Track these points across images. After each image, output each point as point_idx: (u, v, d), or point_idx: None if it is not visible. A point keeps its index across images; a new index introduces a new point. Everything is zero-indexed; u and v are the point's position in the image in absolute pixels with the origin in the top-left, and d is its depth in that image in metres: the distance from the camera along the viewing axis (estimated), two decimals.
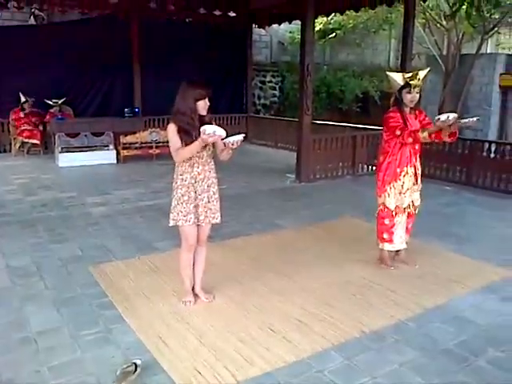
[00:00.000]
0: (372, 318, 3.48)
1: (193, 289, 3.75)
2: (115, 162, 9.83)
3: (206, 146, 3.39)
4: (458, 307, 3.67)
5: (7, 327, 3.32)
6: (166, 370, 2.84)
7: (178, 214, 3.48)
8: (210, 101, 3.45)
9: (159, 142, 10.00)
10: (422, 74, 4.11)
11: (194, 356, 2.98)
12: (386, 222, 4.35)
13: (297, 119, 8.75)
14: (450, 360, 2.97)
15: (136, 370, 2.75)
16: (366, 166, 9.13)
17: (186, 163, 3.43)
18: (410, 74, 4.11)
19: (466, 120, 3.85)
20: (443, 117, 3.79)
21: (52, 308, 3.60)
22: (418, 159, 4.34)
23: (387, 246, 4.40)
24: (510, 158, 7.40)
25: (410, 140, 4.06)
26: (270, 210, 6.49)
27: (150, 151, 9.96)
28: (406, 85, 4.07)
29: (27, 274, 4.25)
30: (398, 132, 4.07)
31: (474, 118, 3.85)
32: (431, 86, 14.36)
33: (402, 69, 9.11)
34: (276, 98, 15.69)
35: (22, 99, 10.22)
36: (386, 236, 4.38)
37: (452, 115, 3.78)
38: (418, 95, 4.12)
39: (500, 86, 13.41)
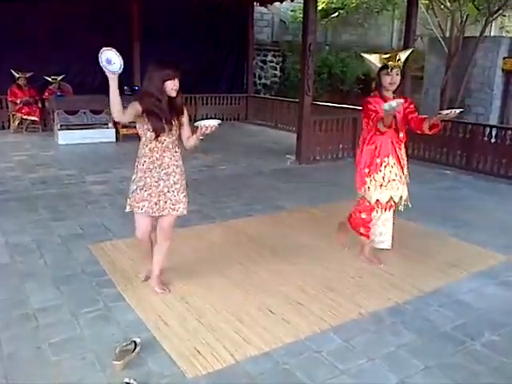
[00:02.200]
0: (370, 300, 3.50)
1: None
2: (114, 140, 9.79)
3: (170, 130, 3.23)
4: (456, 291, 3.69)
5: (7, 304, 3.34)
6: (165, 349, 2.86)
7: (133, 199, 3.33)
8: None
9: None
10: (402, 54, 3.80)
11: (193, 335, 3.01)
12: (363, 215, 4.04)
13: (297, 100, 8.70)
14: (447, 343, 3.00)
15: (135, 348, 2.78)
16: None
17: (146, 146, 3.26)
18: (387, 55, 3.77)
19: (448, 111, 3.56)
20: (446, 111, 3.57)
21: (52, 285, 3.62)
22: (403, 148, 4.00)
23: (364, 241, 4.14)
24: (510, 143, 7.38)
25: (380, 126, 3.66)
26: (270, 191, 6.49)
27: None
28: (384, 66, 3.74)
29: (27, 251, 4.26)
30: (373, 114, 3.72)
31: (457, 110, 3.53)
32: (434, 69, 14.23)
33: (405, 49, 9.04)
34: (277, 78, 15.57)
35: (16, 75, 10.11)
36: (362, 230, 4.10)
37: (454, 111, 3.50)
38: (398, 77, 3.76)
39: (503, 69, 13.29)
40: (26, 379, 2.57)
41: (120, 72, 3.08)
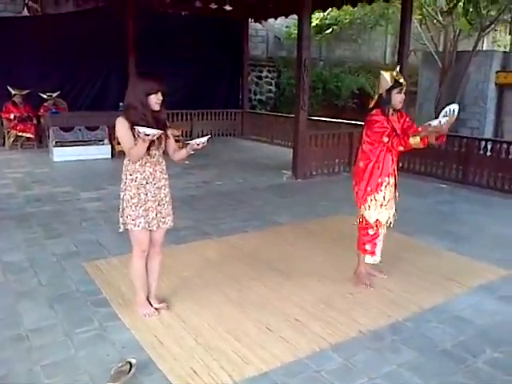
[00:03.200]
0: (369, 317, 3.45)
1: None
2: (110, 156, 9.76)
3: (160, 144, 3.20)
4: (455, 307, 3.65)
5: (0, 324, 3.27)
6: (161, 370, 2.80)
7: (127, 217, 3.23)
8: (163, 95, 3.14)
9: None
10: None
11: (190, 355, 2.95)
12: (371, 232, 3.97)
13: (293, 115, 8.72)
14: (448, 361, 2.95)
15: (131, 369, 2.72)
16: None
17: (136, 162, 3.18)
18: (399, 74, 3.76)
19: (436, 122, 3.51)
20: (434, 122, 3.53)
21: (46, 305, 3.56)
22: (396, 168, 4.00)
23: (368, 259, 4.05)
24: (506, 156, 7.40)
25: (401, 148, 3.69)
26: (267, 206, 6.46)
27: None
28: (397, 84, 3.72)
29: (21, 269, 4.19)
30: (386, 139, 3.70)
31: (446, 118, 3.47)
32: (428, 84, 14.35)
33: (399, 65, 9.10)
34: (272, 94, 15.64)
35: (12, 92, 10.10)
36: (368, 247, 4.02)
37: (444, 119, 3.48)
38: (404, 96, 3.80)
39: (496, 83, 13.40)
40: None
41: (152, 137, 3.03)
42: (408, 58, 9.45)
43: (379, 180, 3.86)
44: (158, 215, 3.29)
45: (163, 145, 3.27)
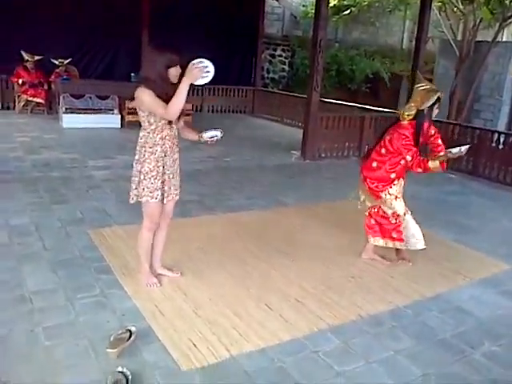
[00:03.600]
0: (370, 302, 3.45)
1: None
2: (119, 126, 9.73)
3: (179, 118, 3.21)
4: (457, 298, 3.64)
5: (3, 285, 3.30)
6: (160, 339, 2.82)
7: (143, 189, 3.21)
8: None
9: None
10: None
11: (189, 327, 2.96)
12: (393, 221, 4.04)
13: (305, 95, 8.63)
14: (446, 351, 2.95)
15: (130, 336, 2.74)
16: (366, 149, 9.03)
17: (156, 135, 3.16)
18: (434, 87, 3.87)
19: (457, 150, 3.67)
20: (455, 150, 3.67)
21: (49, 269, 3.58)
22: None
23: (399, 245, 4.09)
24: None
25: (419, 170, 3.77)
26: (274, 185, 6.44)
27: None
28: (438, 100, 3.81)
29: (26, 232, 4.22)
30: (409, 158, 3.77)
31: (466, 147, 3.67)
32: (443, 72, 14.12)
33: (416, 51, 9.00)
34: (285, 73, 15.48)
35: (25, 57, 10.04)
36: (395, 235, 4.06)
37: (464, 148, 3.64)
38: None
39: None
40: (17, 362, 2.54)
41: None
42: (425, 45, 9.30)
43: (392, 176, 3.96)
44: (172, 188, 3.33)
45: (181, 119, 3.28)
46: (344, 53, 15.79)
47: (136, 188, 3.27)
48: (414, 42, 9.64)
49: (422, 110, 3.80)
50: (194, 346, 2.79)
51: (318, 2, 7.87)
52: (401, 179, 4.02)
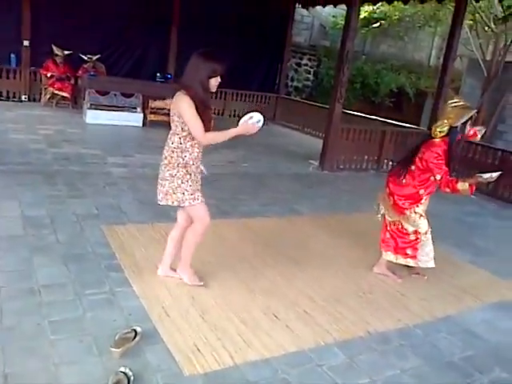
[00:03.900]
0: (379, 319, 3.40)
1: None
2: (141, 125, 9.82)
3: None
4: (468, 320, 3.57)
5: (15, 276, 3.32)
6: (164, 341, 2.81)
7: (183, 194, 3.24)
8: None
9: None
10: None
11: (194, 331, 2.95)
12: (412, 237, 4.01)
13: (328, 106, 8.60)
14: (454, 374, 2.89)
15: (135, 336, 2.74)
16: (391, 163, 8.95)
17: (187, 142, 3.19)
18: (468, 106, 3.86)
19: (488, 175, 3.62)
20: (486, 175, 3.62)
21: (60, 262, 3.60)
22: None
23: (411, 263, 4.06)
24: None
25: (447, 190, 3.73)
26: (290, 194, 6.41)
27: None
28: (470, 118, 3.82)
29: (41, 225, 4.25)
30: (439, 176, 3.74)
31: (497, 173, 3.64)
32: (470, 91, 13.98)
33: (444, 68, 8.90)
34: (309, 82, 15.47)
35: (55, 51, 10.21)
36: (409, 252, 4.03)
37: (495, 174, 3.61)
38: None
39: None
40: (21, 354, 2.55)
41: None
42: (454, 63, 9.20)
43: (420, 192, 3.93)
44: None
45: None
46: (370, 66, 15.73)
47: (174, 193, 3.26)
48: (441, 59, 9.53)
49: (456, 127, 3.77)
50: (198, 350, 2.77)
51: (349, 14, 7.85)
52: (428, 197, 3.98)
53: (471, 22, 13.34)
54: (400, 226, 4.04)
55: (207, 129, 3.14)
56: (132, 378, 2.41)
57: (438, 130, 3.80)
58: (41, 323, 2.83)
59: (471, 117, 3.80)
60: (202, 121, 3.09)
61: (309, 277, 3.93)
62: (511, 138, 13.07)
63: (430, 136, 3.90)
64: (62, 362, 2.52)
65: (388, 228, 4.11)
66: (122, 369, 2.44)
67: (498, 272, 4.53)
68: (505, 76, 12.73)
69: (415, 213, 3.95)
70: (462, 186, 3.66)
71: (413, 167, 3.92)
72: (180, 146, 3.22)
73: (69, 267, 3.55)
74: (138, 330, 2.79)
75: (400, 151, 8.79)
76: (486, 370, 2.97)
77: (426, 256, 4.04)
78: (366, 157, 8.65)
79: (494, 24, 13.17)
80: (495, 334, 3.43)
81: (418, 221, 3.96)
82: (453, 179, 3.72)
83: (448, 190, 3.73)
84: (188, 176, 3.24)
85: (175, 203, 3.31)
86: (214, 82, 3.13)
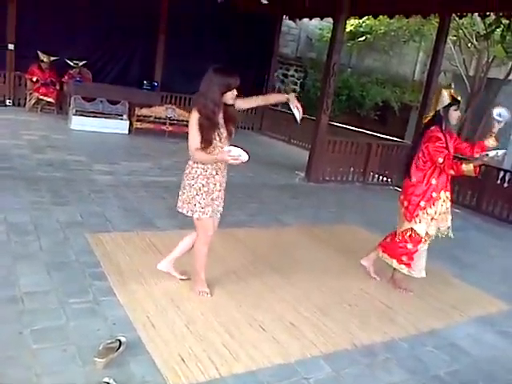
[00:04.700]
0: (365, 331, 3.39)
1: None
2: (127, 132, 9.76)
3: (230, 136, 3.31)
4: (453, 334, 3.58)
5: None
6: (149, 352, 2.77)
7: (195, 205, 3.33)
8: (237, 89, 3.27)
9: (173, 120, 9.92)
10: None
11: (179, 342, 2.91)
12: (409, 246, 4.04)
13: (314, 118, 8.64)
14: None
15: (120, 347, 2.69)
16: (377, 176, 9.03)
17: (209, 153, 3.25)
18: (455, 91, 3.91)
19: (494, 153, 3.66)
20: (492, 153, 3.65)
21: (44, 270, 3.54)
22: (450, 182, 4.09)
23: (404, 269, 4.09)
24: None
25: (452, 172, 3.78)
26: (275, 204, 6.41)
27: (163, 127, 9.87)
28: (455, 101, 3.85)
29: (24, 231, 4.18)
30: (441, 160, 3.78)
31: (503, 151, 3.68)
32: None
33: (428, 83, 9.03)
34: (296, 94, 15.54)
35: (41, 57, 10.12)
36: (404, 259, 4.08)
37: (501, 152, 3.64)
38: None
39: None
40: (2, 363, 2.48)
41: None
42: (438, 78, 9.34)
43: (434, 195, 3.95)
44: (221, 202, 3.46)
45: (230, 138, 3.34)
46: (356, 79, 15.87)
47: (189, 203, 3.35)
48: (426, 74, 9.67)
49: (439, 111, 3.88)
50: (183, 361, 2.74)
51: (335, 27, 7.93)
52: (440, 201, 3.97)
53: (455, 37, 13.58)
54: (408, 234, 4.05)
55: (207, 145, 3.19)
56: None
57: (426, 116, 3.99)
58: (23, 332, 2.77)
59: (456, 101, 3.86)
60: (202, 137, 3.16)
61: (295, 288, 3.91)
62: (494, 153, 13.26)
63: (423, 129, 4.01)
64: (45, 372, 2.47)
65: (397, 239, 4.12)
66: (106, 379, 2.40)
67: (483, 286, 4.57)
68: (488, 92, 12.95)
69: (427, 214, 3.97)
70: (467, 166, 3.69)
71: (419, 162, 3.96)
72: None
73: (52, 275, 3.48)
74: (123, 339, 2.74)
75: (385, 164, 8.89)
76: (470, 383, 2.98)
77: (419, 266, 4.10)
78: (351, 169, 8.70)
79: (477, 40, 13.43)
80: (480, 349, 3.44)
81: (429, 222, 3.99)
82: (457, 161, 3.77)
83: (452, 171, 3.77)
84: (205, 189, 3.31)
85: (189, 213, 3.39)
86: (231, 95, 3.23)
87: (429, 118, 3.98)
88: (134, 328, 2.99)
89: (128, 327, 2.99)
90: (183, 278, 3.71)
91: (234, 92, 3.24)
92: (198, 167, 3.30)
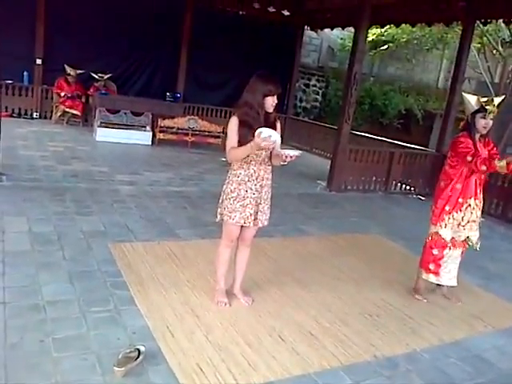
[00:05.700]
0: (386, 342, 3.34)
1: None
2: (150, 143, 9.89)
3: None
4: (478, 346, 3.50)
5: (20, 292, 3.31)
6: (168, 362, 2.78)
7: (224, 208, 3.37)
8: (278, 98, 3.28)
9: (196, 131, 10.01)
10: (496, 100, 3.86)
11: (198, 352, 2.92)
12: (435, 252, 4.05)
13: (336, 127, 8.62)
14: None
15: (139, 356, 2.71)
16: (399, 185, 8.93)
17: (242, 159, 3.28)
18: (485, 99, 3.84)
19: None
20: None
21: (66, 279, 3.59)
22: (481, 191, 4.02)
23: (432, 278, 4.10)
24: None
25: (484, 168, 3.70)
26: (297, 214, 6.39)
27: (186, 138, 9.96)
28: (482, 109, 3.80)
29: (48, 241, 4.26)
30: (470, 158, 3.73)
31: None
32: None
33: (452, 90, 8.92)
34: (317, 103, 15.54)
35: (68, 71, 10.35)
36: (431, 267, 4.08)
37: None
38: (491, 122, 3.83)
39: None
40: (24, 371, 2.52)
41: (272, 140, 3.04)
42: (462, 85, 9.22)
43: (460, 200, 3.92)
44: (259, 214, 3.40)
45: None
46: (378, 87, 15.80)
47: (219, 207, 3.43)
48: (449, 82, 9.55)
49: (467, 118, 3.89)
50: (202, 371, 2.73)
51: (357, 36, 7.91)
52: (469, 208, 3.94)
53: (479, 45, 13.41)
54: (434, 239, 4.05)
55: (244, 141, 3.21)
56: None
57: (462, 124, 3.96)
58: (44, 340, 2.81)
59: (485, 109, 3.78)
60: (239, 141, 3.21)
61: (314, 298, 3.89)
62: None
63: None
64: (65, 381, 2.49)
65: (424, 243, 4.14)
66: None
67: (507, 297, 4.46)
68: None
69: (453, 219, 3.96)
70: (499, 162, 3.64)
71: (447, 167, 3.99)
72: (235, 164, 3.35)
73: (74, 284, 3.53)
74: (142, 349, 2.76)
75: (408, 172, 8.79)
76: None
77: (449, 273, 4.06)
78: (373, 178, 8.63)
79: (502, 47, 13.24)
80: (506, 362, 3.35)
81: (455, 228, 3.97)
82: (489, 158, 3.74)
83: (484, 167, 3.71)
84: (234, 194, 3.32)
85: (218, 217, 3.43)
86: (271, 102, 3.24)
87: (462, 124, 3.97)
88: (154, 337, 3.00)
89: (147, 336, 3.01)
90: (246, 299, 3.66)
91: (275, 99, 3.26)
92: (231, 173, 3.36)
